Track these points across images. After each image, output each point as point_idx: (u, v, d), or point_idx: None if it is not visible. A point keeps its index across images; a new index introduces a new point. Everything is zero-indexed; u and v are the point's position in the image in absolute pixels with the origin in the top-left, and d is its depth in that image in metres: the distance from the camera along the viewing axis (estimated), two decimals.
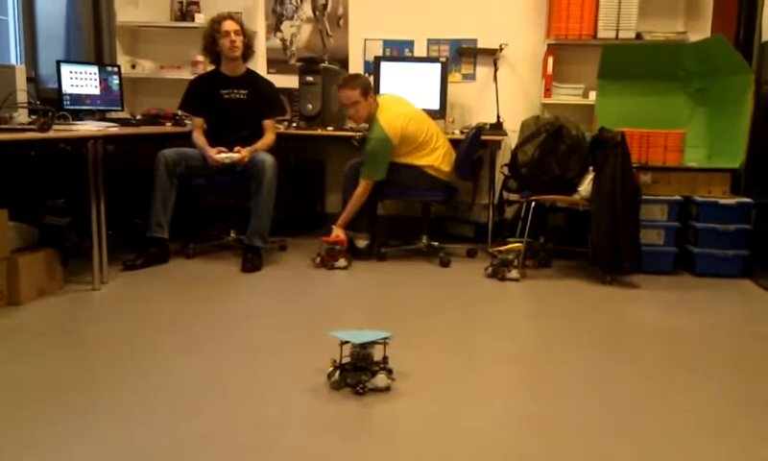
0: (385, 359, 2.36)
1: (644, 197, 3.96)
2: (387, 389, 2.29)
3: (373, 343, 2.31)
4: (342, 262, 4.00)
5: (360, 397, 2.23)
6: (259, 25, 5.31)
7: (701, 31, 4.79)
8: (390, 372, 2.34)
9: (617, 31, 4.67)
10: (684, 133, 4.28)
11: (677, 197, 4.08)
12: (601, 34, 4.68)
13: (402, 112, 4.11)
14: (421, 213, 4.48)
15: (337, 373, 2.31)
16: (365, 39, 5.25)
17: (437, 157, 4.16)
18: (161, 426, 1.99)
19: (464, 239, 4.94)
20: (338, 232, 4.13)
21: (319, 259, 4.04)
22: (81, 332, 2.82)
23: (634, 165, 3.90)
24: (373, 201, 4.32)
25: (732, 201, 4.02)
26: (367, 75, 4.52)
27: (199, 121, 4.25)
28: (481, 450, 1.89)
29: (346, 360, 2.33)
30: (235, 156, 4.00)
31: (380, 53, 5.21)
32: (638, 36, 4.69)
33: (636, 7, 4.62)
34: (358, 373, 2.29)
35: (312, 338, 2.79)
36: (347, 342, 2.31)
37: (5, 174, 3.66)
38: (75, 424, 1.99)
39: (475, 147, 4.31)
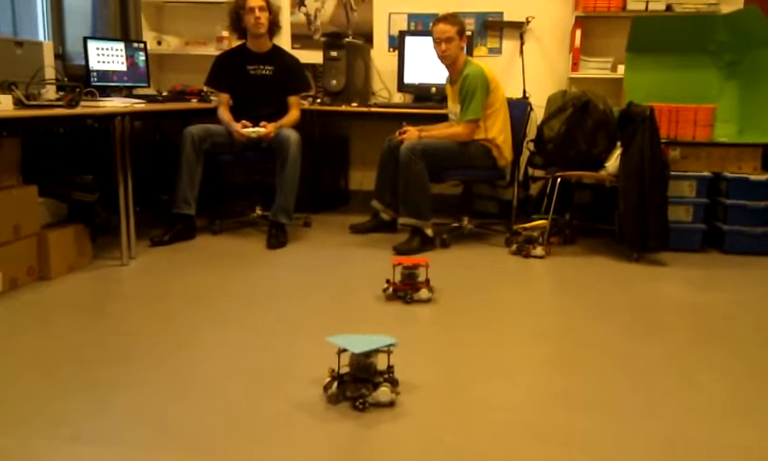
0: (390, 369, 2.10)
1: (673, 173, 3.90)
2: (391, 404, 2.02)
3: (376, 352, 2.03)
4: (425, 294, 3.01)
5: (360, 413, 1.97)
6: (283, 0, 5.29)
7: (733, 2, 4.66)
8: (394, 384, 2.07)
9: (647, 2, 4.57)
10: (714, 108, 4.19)
11: (706, 173, 4.01)
12: (630, 5, 4.59)
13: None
14: (462, 194, 4.37)
15: (335, 385, 2.04)
16: (389, 13, 5.20)
17: (507, 137, 4.03)
18: (189, 401, 2.03)
19: (487, 215, 4.92)
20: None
21: (391, 290, 3.07)
22: (109, 307, 2.87)
23: (662, 141, 3.84)
24: (395, 176, 4.27)
25: (763, 177, 3.94)
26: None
27: (225, 97, 4.27)
28: (504, 425, 1.90)
29: (344, 370, 2.07)
30: (261, 130, 4.01)
31: (405, 27, 5.16)
32: (669, 7, 4.58)
33: None
34: (358, 385, 2.02)
35: (335, 317, 2.81)
36: (345, 350, 2.04)
37: (34, 150, 3.72)
38: (104, 398, 2.03)
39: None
